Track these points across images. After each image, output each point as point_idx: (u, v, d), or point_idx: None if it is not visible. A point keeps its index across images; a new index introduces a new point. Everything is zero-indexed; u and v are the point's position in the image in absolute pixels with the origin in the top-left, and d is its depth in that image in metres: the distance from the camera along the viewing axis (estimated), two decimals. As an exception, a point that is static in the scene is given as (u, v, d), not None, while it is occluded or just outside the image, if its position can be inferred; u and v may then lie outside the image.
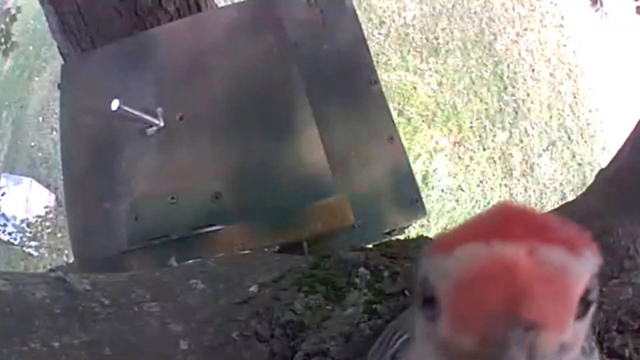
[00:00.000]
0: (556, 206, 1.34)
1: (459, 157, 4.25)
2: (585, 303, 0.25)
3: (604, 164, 1.05)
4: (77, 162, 1.30)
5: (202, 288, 0.70)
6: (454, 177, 4.17)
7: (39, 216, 4.28)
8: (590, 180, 1.11)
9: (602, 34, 4.83)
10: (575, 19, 5.08)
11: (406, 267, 0.71)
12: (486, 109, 4.49)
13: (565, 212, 1.02)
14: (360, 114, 1.34)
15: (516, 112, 4.52)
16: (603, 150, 4.52)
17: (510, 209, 0.26)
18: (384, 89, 1.39)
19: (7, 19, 3.42)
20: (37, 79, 5.53)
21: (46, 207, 4.43)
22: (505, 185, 4.21)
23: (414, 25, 4.90)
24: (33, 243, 4.23)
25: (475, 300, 0.23)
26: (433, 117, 4.37)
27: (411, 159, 4.01)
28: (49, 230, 4.27)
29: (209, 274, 0.75)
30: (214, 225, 1.13)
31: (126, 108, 1.13)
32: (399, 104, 4.36)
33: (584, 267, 0.24)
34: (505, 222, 0.25)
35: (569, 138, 4.53)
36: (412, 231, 3.34)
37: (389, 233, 1.32)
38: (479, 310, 0.23)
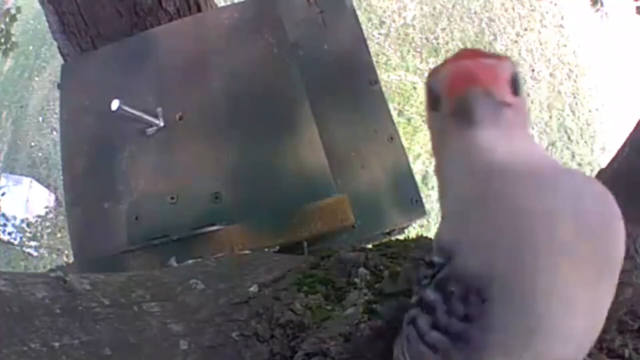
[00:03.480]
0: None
1: (459, 157, 4.24)
2: (513, 84, 0.47)
3: (604, 164, 1.06)
4: (77, 162, 1.30)
5: (202, 288, 0.70)
6: (454, 177, 4.16)
7: (39, 216, 4.28)
8: (590, 180, 1.10)
9: (602, 34, 4.83)
10: (575, 19, 5.08)
11: (406, 267, 0.71)
12: (486, 109, 4.48)
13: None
14: (360, 114, 1.34)
15: (516, 112, 4.52)
16: (603, 150, 4.53)
17: (465, 50, 0.51)
18: (384, 89, 1.39)
19: (7, 19, 3.42)
20: (37, 79, 5.54)
21: (46, 207, 4.43)
22: (505, 185, 4.20)
23: (414, 25, 4.90)
24: (33, 243, 4.23)
25: (457, 82, 0.47)
26: (433, 117, 4.36)
27: (411, 159, 4.00)
28: (49, 230, 4.27)
29: (209, 274, 0.75)
30: (214, 225, 1.13)
31: (126, 108, 1.13)
32: (399, 104, 4.36)
33: (502, 66, 0.48)
34: (464, 55, 0.49)
35: (569, 138, 4.54)
36: (412, 231, 3.34)
37: (389, 233, 1.32)
38: (460, 85, 0.47)
